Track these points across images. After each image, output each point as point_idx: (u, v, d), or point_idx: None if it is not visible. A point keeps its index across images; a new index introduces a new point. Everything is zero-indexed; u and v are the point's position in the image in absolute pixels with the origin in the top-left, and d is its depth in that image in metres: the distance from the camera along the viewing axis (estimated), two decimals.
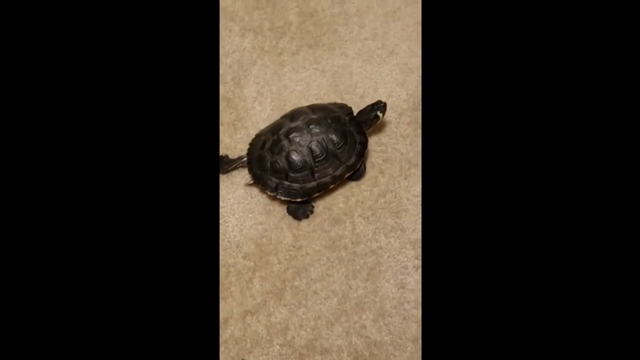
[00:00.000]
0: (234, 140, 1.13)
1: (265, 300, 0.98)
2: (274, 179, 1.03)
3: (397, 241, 1.01)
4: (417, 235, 1.01)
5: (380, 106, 1.07)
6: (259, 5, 1.26)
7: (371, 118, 1.07)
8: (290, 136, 1.02)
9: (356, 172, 1.06)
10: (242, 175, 1.09)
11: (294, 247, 1.03)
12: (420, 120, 1.12)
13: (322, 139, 1.02)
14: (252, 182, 1.06)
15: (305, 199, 1.03)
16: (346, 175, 1.04)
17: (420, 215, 1.03)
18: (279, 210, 1.06)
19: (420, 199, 1.05)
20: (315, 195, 1.04)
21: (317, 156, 1.02)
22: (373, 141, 1.11)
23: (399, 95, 1.16)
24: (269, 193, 1.04)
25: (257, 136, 1.09)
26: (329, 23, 1.25)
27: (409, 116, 1.14)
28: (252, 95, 1.17)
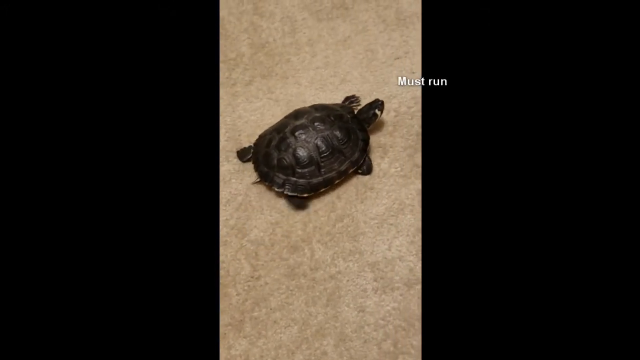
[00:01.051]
0: None
1: (225, 333, 0.96)
2: (281, 175, 1.06)
3: (356, 265, 1.01)
4: (375, 257, 1.01)
5: (378, 104, 1.12)
6: None
7: (370, 116, 1.12)
8: (296, 133, 1.06)
9: (363, 167, 1.10)
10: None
11: (252, 277, 1.01)
12: (373, 144, 1.14)
13: (327, 135, 1.06)
14: (258, 179, 1.09)
15: (312, 193, 1.06)
16: (350, 171, 1.08)
17: (376, 238, 1.03)
18: (236, 241, 1.05)
19: (376, 220, 1.05)
20: (321, 190, 1.07)
21: (323, 152, 1.05)
22: None
23: None
24: (276, 189, 1.07)
25: (261, 136, 1.13)
26: (281, 53, 1.27)
27: None
28: None
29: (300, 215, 1.07)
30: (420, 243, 1.01)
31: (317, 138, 1.06)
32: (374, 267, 1.00)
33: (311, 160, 1.05)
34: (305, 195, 1.06)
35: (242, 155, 1.14)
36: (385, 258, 1.01)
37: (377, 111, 1.11)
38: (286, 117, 1.12)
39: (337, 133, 1.07)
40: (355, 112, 1.14)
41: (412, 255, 1.01)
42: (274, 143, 1.08)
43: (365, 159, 1.09)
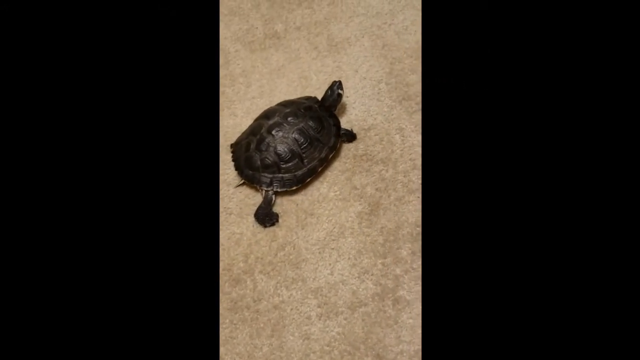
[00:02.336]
0: None
1: None
2: (267, 174, 1.09)
3: (299, 292, 1.00)
4: (318, 283, 1.01)
5: (337, 84, 1.16)
6: None
7: (335, 98, 1.16)
8: (273, 132, 1.09)
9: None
10: None
11: None
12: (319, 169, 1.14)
13: (303, 127, 1.09)
14: (242, 183, 1.12)
15: (299, 185, 1.09)
16: (329, 157, 1.11)
17: (319, 264, 1.03)
18: None
19: (318, 246, 1.05)
20: (307, 180, 1.10)
21: (302, 143, 1.09)
22: None
23: None
24: (265, 189, 1.09)
25: (237, 142, 1.16)
26: None
27: None
28: None
29: (241, 247, 1.06)
30: (361, 265, 1.02)
31: (293, 132, 1.09)
32: (317, 293, 1.00)
33: (293, 154, 1.08)
34: (294, 188, 1.09)
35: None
36: (328, 283, 1.01)
37: (339, 91, 1.16)
38: (257, 119, 1.15)
39: (311, 123, 1.10)
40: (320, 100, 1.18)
41: (355, 278, 1.01)
42: (252, 146, 1.10)
43: (340, 141, 1.14)
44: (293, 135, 1.09)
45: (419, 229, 1.05)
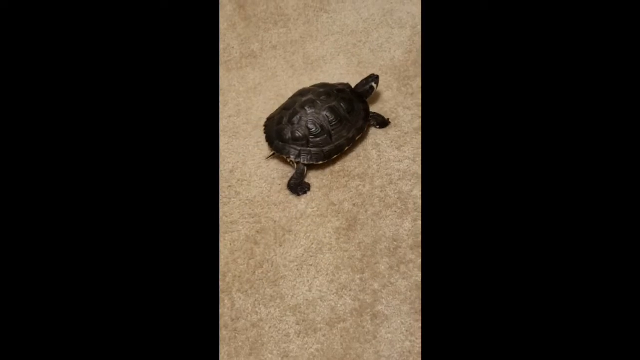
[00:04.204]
0: None
1: None
2: (296, 146, 1.14)
3: (277, 310, 1.00)
4: (297, 300, 1.01)
5: (374, 78, 1.22)
6: None
7: (367, 89, 1.22)
8: (306, 107, 1.15)
9: (374, 122, 1.21)
10: None
11: None
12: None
13: (334, 105, 1.15)
14: (272, 154, 1.17)
15: (325, 161, 1.14)
16: (357, 138, 1.16)
17: (297, 281, 1.03)
18: None
19: (296, 263, 1.05)
20: (334, 157, 1.14)
21: (332, 121, 1.14)
22: (245, 212, 1.12)
23: (268, 165, 1.19)
24: (293, 159, 1.14)
25: (270, 117, 1.21)
26: None
27: (279, 184, 1.16)
28: None
29: (219, 266, 1.06)
30: (339, 281, 1.02)
31: (325, 109, 1.14)
32: (296, 310, 0.99)
33: (323, 130, 1.14)
34: (320, 162, 1.14)
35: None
36: (307, 300, 1.01)
37: (373, 84, 1.21)
38: (292, 97, 1.20)
39: (342, 104, 1.16)
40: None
41: (333, 294, 1.01)
42: (285, 119, 1.16)
43: (368, 122, 1.19)
44: (324, 113, 1.14)
45: (396, 243, 1.05)
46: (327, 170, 1.16)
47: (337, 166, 1.17)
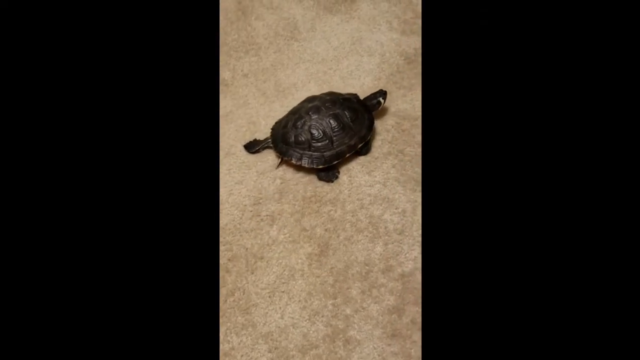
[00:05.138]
0: None
1: None
2: (298, 150, 1.18)
3: (249, 338, 0.99)
4: (269, 327, 1.00)
5: (382, 93, 1.26)
6: None
7: (374, 104, 1.25)
8: (310, 113, 1.19)
9: (365, 147, 1.22)
10: None
11: None
12: (262, 213, 1.15)
13: (339, 113, 1.19)
14: (281, 161, 1.21)
15: (326, 165, 1.18)
16: (359, 146, 1.20)
17: (269, 308, 1.02)
18: None
19: (268, 290, 1.04)
20: (334, 162, 1.18)
21: (334, 128, 1.18)
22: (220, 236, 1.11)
23: (239, 192, 1.19)
24: (294, 162, 1.18)
25: (278, 122, 1.25)
26: None
27: (251, 211, 1.16)
28: None
29: None
30: (311, 307, 1.02)
31: (329, 116, 1.19)
32: (268, 338, 0.99)
33: (325, 135, 1.18)
34: (320, 167, 1.18)
35: (250, 147, 1.26)
36: (279, 327, 1.00)
37: (380, 99, 1.25)
38: (300, 102, 1.25)
39: (347, 112, 1.19)
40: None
41: (305, 320, 1.00)
42: (290, 123, 1.20)
43: (370, 136, 1.22)
44: (328, 119, 1.18)
45: (368, 267, 1.06)
46: (299, 196, 1.17)
47: (309, 192, 1.18)
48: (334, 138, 1.18)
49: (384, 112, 1.30)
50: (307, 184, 1.19)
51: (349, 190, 1.17)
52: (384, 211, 1.13)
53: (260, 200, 1.17)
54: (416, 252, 1.07)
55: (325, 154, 1.18)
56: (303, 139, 1.18)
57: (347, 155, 1.19)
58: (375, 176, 1.19)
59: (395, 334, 0.97)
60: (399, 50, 1.42)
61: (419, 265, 1.05)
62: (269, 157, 1.24)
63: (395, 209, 1.14)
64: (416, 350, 0.95)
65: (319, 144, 1.18)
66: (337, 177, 1.19)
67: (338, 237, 1.11)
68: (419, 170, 1.19)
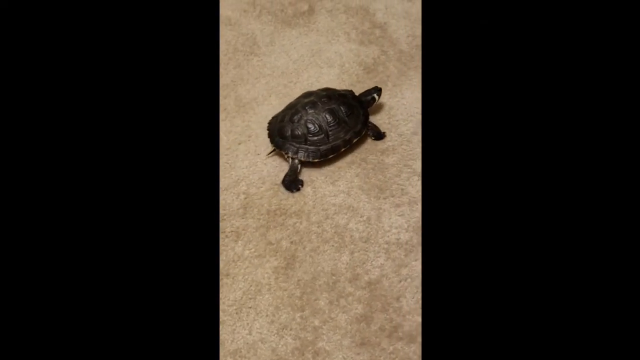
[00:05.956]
0: None
1: None
2: (294, 144, 1.20)
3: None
4: (237, 344, 0.98)
5: (377, 90, 1.28)
6: None
7: (369, 100, 1.28)
8: (307, 107, 1.21)
9: (370, 133, 1.26)
10: None
11: None
12: (226, 230, 1.14)
13: (334, 108, 1.21)
14: (273, 150, 1.23)
15: (321, 159, 1.20)
16: (354, 140, 1.22)
17: (236, 325, 1.01)
18: None
19: (235, 307, 1.03)
20: (330, 156, 1.20)
21: (330, 122, 1.20)
22: None
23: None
24: (291, 155, 1.20)
25: (274, 117, 1.28)
26: None
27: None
28: None
29: None
30: (279, 321, 1.00)
31: (325, 111, 1.21)
32: (236, 355, 0.97)
33: (321, 129, 1.20)
34: (317, 160, 1.20)
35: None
36: (247, 343, 0.98)
37: (375, 95, 1.28)
38: (297, 98, 1.27)
39: (342, 107, 1.22)
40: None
41: (274, 334, 0.99)
42: (287, 118, 1.22)
43: (366, 129, 1.25)
44: (324, 114, 1.20)
45: (335, 277, 1.05)
46: (264, 210, 1.16)
47: (274, 205, 1.17)
48: (330, 132, 1.20)
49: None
50: (272, 197, 1.18)
51: (314, 202, 1.17)
52: (348, 220, 1.13)
53: (225, 217, 1.16)
54: (382, 259, 1.07)
55: (321, 147, 1.20)
56: (299, 132, 1.20)
57: (343, 149, 1.22)
58: (339, 186, 1.19)
59: (364, 342, 0.97)
60: (357, 60, 1.43)
61: (385, 272, 1.05)
62: (232, 172, 1.23)
63: (360, 217, 1.14)
64: (385, 358, 0.95)
65: (315, 138, 1.20)
66: (299, 189, 1.19)
67: (304, 248, 1.10)
68: (382, 177, 1.20)
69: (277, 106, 1.35)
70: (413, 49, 1.44)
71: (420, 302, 1.01)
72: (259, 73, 1.43)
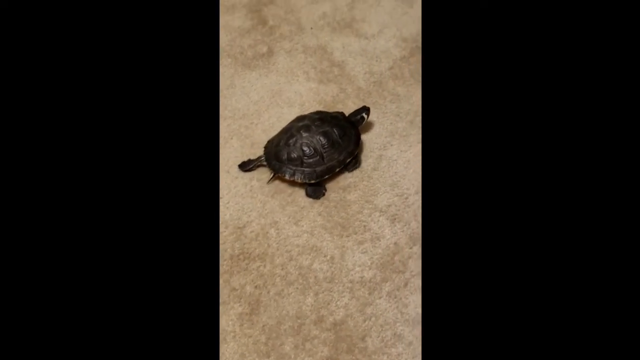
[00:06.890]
0: None
1: None
2: (291, 166, 1.24)
3: None
4: None
5: (365, 109, 1.34)
6: None
7: (358, 119, 1.33)
8: (301, 131, 1.26)
9: (353, 164, 1.29)
10: None
11: None
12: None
13: (327, 130, 1.26)
14: (273, 175, 1.27)
15: (317, 180, 1.24)
16: (347, 160, 1.26)
17: None
18: None
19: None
20: (325, 177, 1.24)
21: (324, 144, 1.25)
22: None
23: None
24: (288, 178, 1.24)
25: (270, 141, 1.32)
26: None
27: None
28: None
29: None
30: (223, 351, 0.99)
31: (319, 134, 1.25)
32: None
33: (316, 152, 1.24)
34: (313, 182, 1.24)
35: (244, 165, 1.31)
36: None
37: (364, 115, 1.33)
38: (290, 122, 1.31)
39: (335, 129, 1.26)
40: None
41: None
42: (282, 142, 1.26)
43: (357, 152, 1.29)
44: (318, 137, 1.25)
45: (300, 321, 1.04)
46: (227, 255, 1.15)
47: (237, 249, 1.16)
48: (325, 154, 1.24)
49: None
50: (235, 241, 1.18)
51: (277, 243, 1.17)
52: (312, 260, 1.13)
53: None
54: (346, 298, 1.07)
55: (316, 169, 1.24)
56: (295, 155, 1.24)
57: (337, 170, 1.26)
58: (302, 225, 1.19)
59: None
60: (317, 98, 1.45)
61: (350, 311, 1.05)
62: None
63: (324, 256, 1.14)
64: None
65: (311, 160, 1.24)
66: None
67: (268, 292, 1.09)
68: (344, 214, 1.20)
69: (238, 148, 1.36)
70: (370, 85, 1.46)
71: (385, 340, 1.00)
72: (220, 116, 1.44)
